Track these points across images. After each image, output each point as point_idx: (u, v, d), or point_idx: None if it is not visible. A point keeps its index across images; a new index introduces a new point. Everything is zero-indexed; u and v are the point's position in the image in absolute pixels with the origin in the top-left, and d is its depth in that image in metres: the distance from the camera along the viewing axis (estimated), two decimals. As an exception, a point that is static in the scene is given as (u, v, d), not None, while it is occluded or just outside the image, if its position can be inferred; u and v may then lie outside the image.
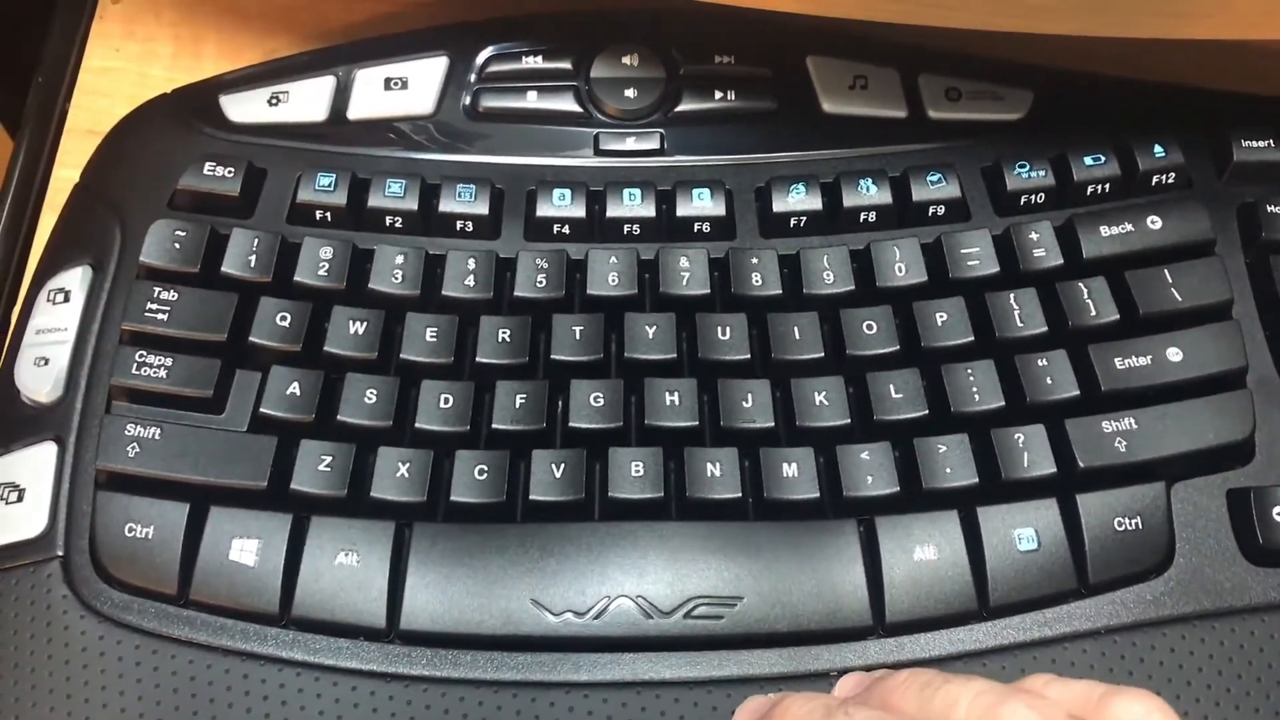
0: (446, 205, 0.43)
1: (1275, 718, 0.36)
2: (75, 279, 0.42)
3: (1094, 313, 0.40)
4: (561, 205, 0.43)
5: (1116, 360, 0.39)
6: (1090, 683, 0.29)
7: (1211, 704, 0.36)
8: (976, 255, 0.42)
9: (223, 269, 0.41)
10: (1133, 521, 0.37)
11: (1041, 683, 0.29)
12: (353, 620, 0.36)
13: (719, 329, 0.41)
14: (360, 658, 0.36)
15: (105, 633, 0.36)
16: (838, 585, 0.37)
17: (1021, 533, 0.37)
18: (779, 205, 0.43)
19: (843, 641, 0.36)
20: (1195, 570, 0.37)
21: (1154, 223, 0.42)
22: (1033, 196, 0.43)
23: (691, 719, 0.35)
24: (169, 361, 0.39)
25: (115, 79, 0.51)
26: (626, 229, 0.43)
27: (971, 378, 0.39)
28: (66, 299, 0.41)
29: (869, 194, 0.43)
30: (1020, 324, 0.40)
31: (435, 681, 0.36)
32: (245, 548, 0.37)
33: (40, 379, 0.40)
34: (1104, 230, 0.42)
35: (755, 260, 0.42)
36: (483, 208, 0.43)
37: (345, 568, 0.37)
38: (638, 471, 0.38)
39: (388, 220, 0.43)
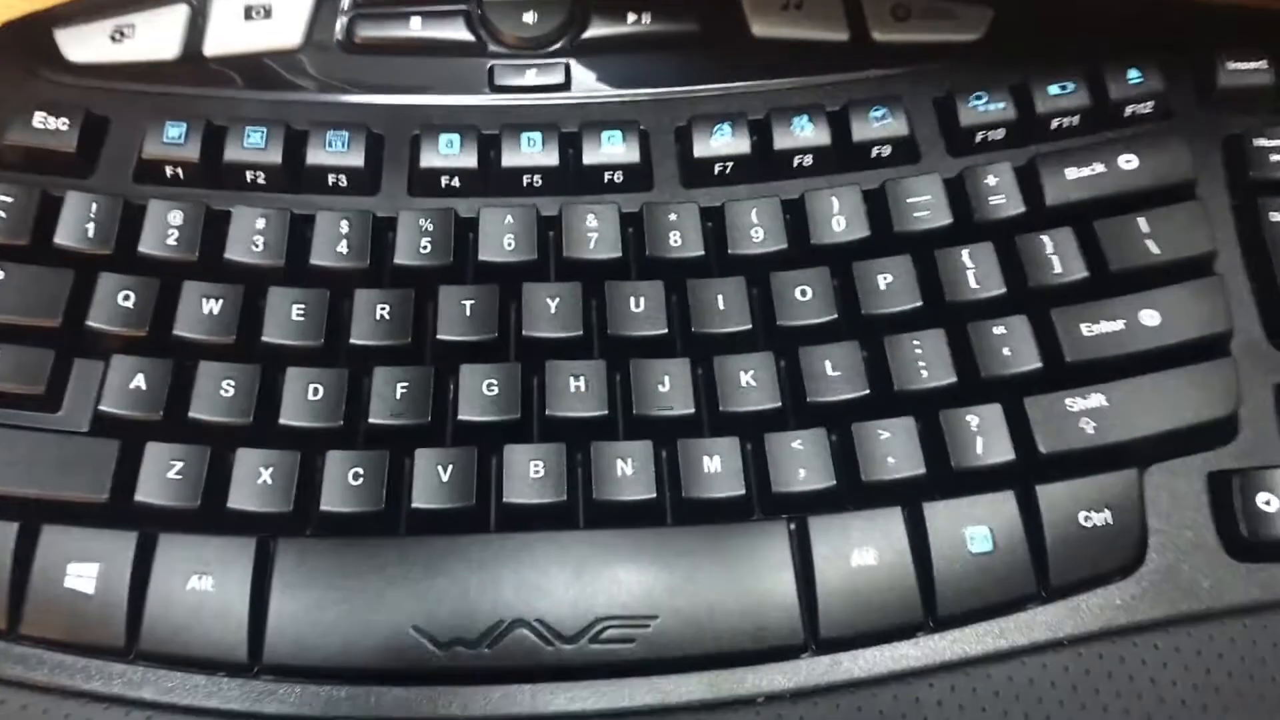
0: (315, 156, 0.39)
1: (1259, 737, 0.32)
2: (-120, 257, 0.37)
3: (1058, 270, 0.37)
4: (450, 154, 0.39)
5: (1084, 326, 0.36)
6: None
7: (1188, 724, 0.33)
8: (926, 205, 0.38)
9: (56, 240, 0.37)
10: (1100, 515, 0.34)
11: None
12: (210, 653, 0.33)
13: (632, 300, 0.37)
14: (220, 696, 0.33)
15: (-77, 676, 0.33)
16: (765, 597, 0.33)
17: (973, 531, 0.34)
18: (701, 149, 0.39)
19: (771, 661, 0.33)
20: (1170, 568, 0.34)
21: (1128, 162, 0.38)
22: (990, 133, 0.40)
23: (599, 758, 0.32)
24: (-7, 353, 0.35)
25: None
26: (525, 180, 0.39)
27: (918, 350, 0.36)
28: None
29: (804, 133, 0.39)
30: (974, 285, 0.37)
31: (305, 722, 0.32)
32: (83, 572, 0.33)
33: None
34: (1070, 172, 0.38)
35: (674, 216, 0.38)
36: (358, 158, 0.39)
37: (199, 593, 0.33)
38: (537, 472, 0.34)
39: (248, 176, 0.39)
